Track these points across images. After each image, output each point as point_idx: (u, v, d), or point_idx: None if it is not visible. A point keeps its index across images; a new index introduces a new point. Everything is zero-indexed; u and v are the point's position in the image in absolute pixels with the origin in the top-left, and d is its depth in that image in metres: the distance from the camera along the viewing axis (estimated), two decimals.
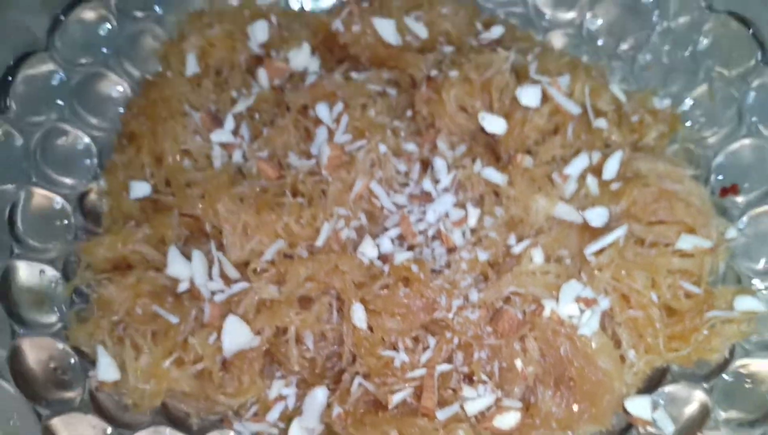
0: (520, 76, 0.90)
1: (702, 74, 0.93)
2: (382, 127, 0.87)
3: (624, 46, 1.00)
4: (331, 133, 0.86)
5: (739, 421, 0.74)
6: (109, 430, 0.72)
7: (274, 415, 0.75)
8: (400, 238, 0.82)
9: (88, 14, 0.93)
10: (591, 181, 0.84)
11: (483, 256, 0.79)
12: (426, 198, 0.84)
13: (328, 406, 0.74)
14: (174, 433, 0.75)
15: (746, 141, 0.88)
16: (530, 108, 0.86)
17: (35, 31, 0.89)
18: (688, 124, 0.93)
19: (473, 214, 0.82)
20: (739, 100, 0.90)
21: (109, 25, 0.94)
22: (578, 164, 0.84)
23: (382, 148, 0.85)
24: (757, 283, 0.82)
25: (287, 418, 0.76)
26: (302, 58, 0.95)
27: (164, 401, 0.75)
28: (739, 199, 0.87)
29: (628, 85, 0.98)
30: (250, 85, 0.94)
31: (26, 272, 0.79)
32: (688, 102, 0.94)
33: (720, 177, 0.90)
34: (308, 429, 0.75)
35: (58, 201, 0.85)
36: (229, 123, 0.89)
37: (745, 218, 0.86)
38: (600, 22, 1.03)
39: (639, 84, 0.98)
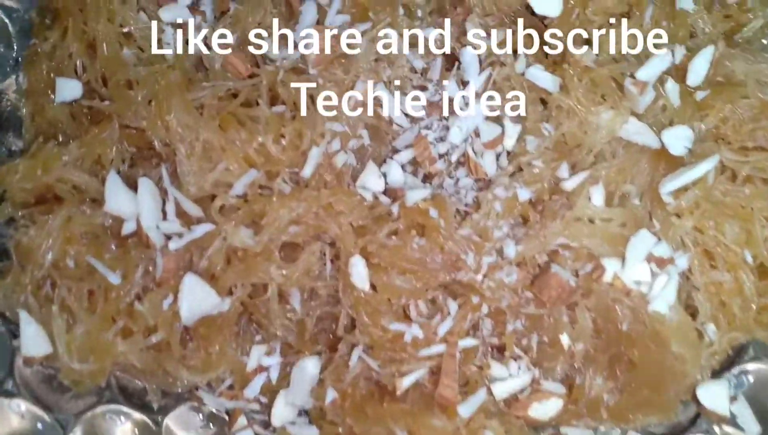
0: None
1: None
2: (392, 3, 0.64)
3: None
4: (321, 12, 0.64)
5: None
6: (46, 416, 0.57)
7: (254, 390, 0.60)
8: (414, 164, 0.63)
9: None
10: (671, 87, 0.63)
11: (524, 193, 0.60)
12: (449, 108, 0.63)
13: (321, 382, 0.59)
14: (131, 414, 0.59)
15: None
16: None
17: None
18: None
19: (512, 131, 0.62)
20: None
21: None
22: (657, 64, 0.63)
23: (392, 33, 0.63)
24: None
25: (271, 392, 0.60)
26: None
27: (114, 374, 0.59)
28: None
29: None
30: None
31: None
32: None
33: None
34: (296, 405, 0.60)
35: None
36: None
37: None
38: None
39: None
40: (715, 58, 0.64)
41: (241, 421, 0.61)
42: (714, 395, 0.59)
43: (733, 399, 0.59)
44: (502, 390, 0.58)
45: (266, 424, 0.61)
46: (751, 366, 0.61)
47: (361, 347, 0.58)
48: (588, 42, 0.65)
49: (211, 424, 0.62)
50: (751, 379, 0.61)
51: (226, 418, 0.62)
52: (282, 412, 0.60)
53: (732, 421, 0.59)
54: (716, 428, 0.60)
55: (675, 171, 0.60)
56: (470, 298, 0.58)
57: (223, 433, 0.61)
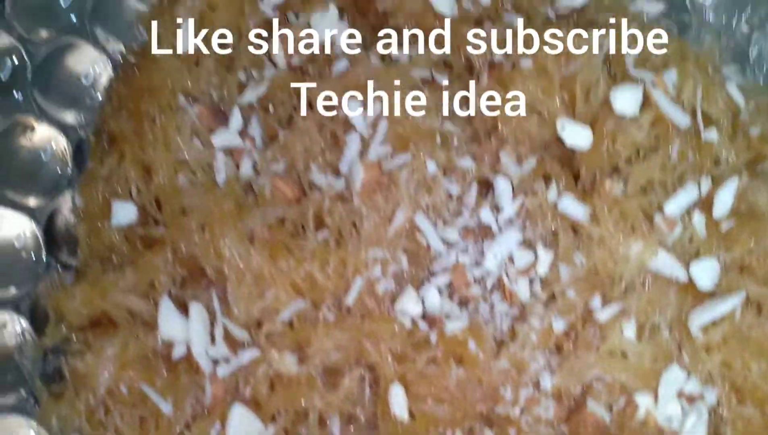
0: (613, 68, 0.69)
1: None
2: (431, 134, 0.68)
3: (741, 26, 0.77)
4: (364, 143, 0.67)
5: None
6: None
7: None
8: (450, 288, 0.65)
9: None
10: (698, 219, 0.65)
11: (559, 324, 0.62)
12: (484, 233, 0.66)
13: None
14: None
15: None
16: (625, 116, 0.66)
17: None
18: None
19: (545, 258, 0.65)
20: None
21: None
22: (685, 197, 0.65)
23: (431, 166, 0.66)
24: None
25: None
26: (328, 23, 0.74)
27: None
28: None
29: (743, 78, 0.76)
30: (262, 66, 0.73)
31: None
32: None
33: None
34: None
35: (20, 226, 0.67)
36: (236, 119, 0.70)
37: None
38: None
39: (756, 78, 0.77)
40: (740, 189, 0.67)
41: None
42: None
43: None
44: None
45: None
46: None
47: None
48: (616, 170, 0.69)
49: None
50: None
51: None
52: None
53: None
54: None
55: (702, 303, 0.62)
56: (507, 430, 0.60)
57: None
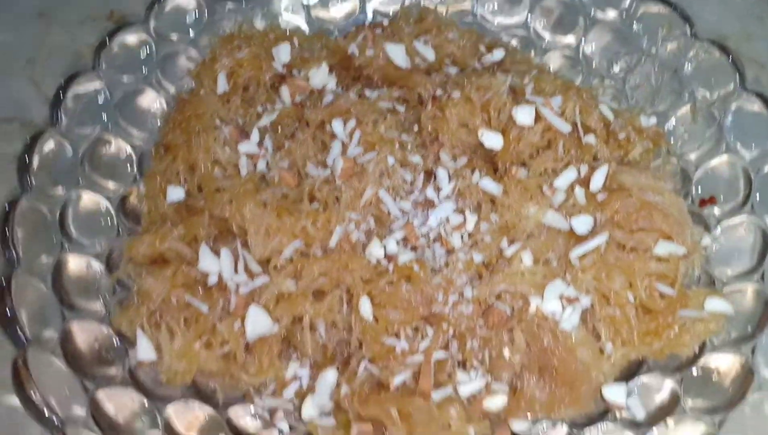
0: (517, 95, 0.99)
1: (686, 96, 1.02)
2: (390, 141, 0.97)
3: (616, 69, 1.09)
4: (344, 147, 0.96)
5: (703, 409, 0.82)
6: (146, 401, 0.83)
7: (289, 392, 0.85)
8: (405, 241, 0.91)
9: (130, 38, 1.05)
10: (579, 191, 0.92)
11: (478, 257, 0.88)
12: (429, 205, 0.93)
13: (338, 385, 0.84)
14: (202, 406, 0.85)
15: (724, 157, 0.97)
16: (525, 126, 0.96)
17: (83, 53, 1.01)
18: (671, 141, 1.02)
19: (471, 219, 0.91)
20: (718, 121, 0.98)
21: (148, 48, 1.05)
22: (567, 177, 0.93)
23: (391, 159, 0.94)
24: (728, 287, 0.90)
25: (301, 395, 0.85)
26: (321, 76, 1.05)
27: (194, 378, 0.85)
28: (716, 210, 0.95)
29: (619, 105, 1.07)
30: (274, 102, 1.04)
31: (75, 265, 0.89)
32: (673, 121, 1.02)
33: (699, 189, 0.98)
34: (320, 406, 0.84)
35: (103, 203, 0.95)
36: (255, 136, 0.99)
37: (720, 227, 0.94)
38: (594, 45, 1.12)
39: (629, 103, 1.07)
40: (610, 172, 0.94)
41: (280, 414, 0.85)
42: (614, 393, 0.83)
43: (629, 395, 0.84)
44: (465, 390, 0.82)
45: (297, 418, 0.85)
46: (645, 377, 0.87)
47: (366, 360, 0.84)
48: (523, 164, 0.97)
49: (258, 418, 0.87)
50: (645, 379, 0.86)
51: (268, 415, 0.87)
52: (309, 410, 0.83)
53: (628, 410, 0.83)
54: (617, 414, 0.84)
55: (580, 244, 0.89)
56: (441, 325, 0.85)
57: (267, 424, 0.86)
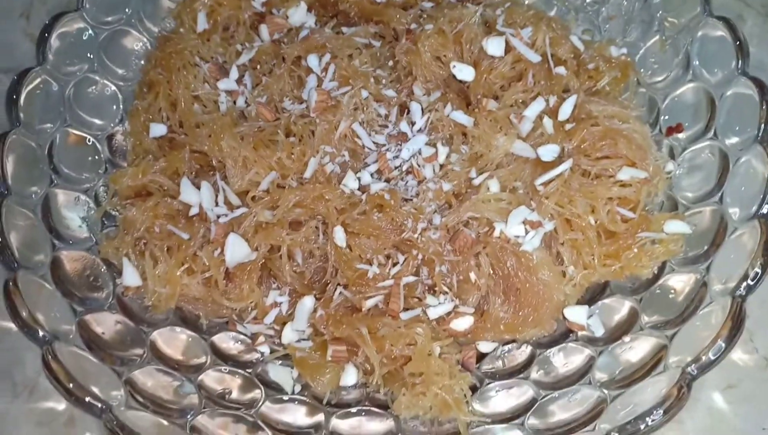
0: (490, 28, 1.01)
1: (656, 25, 1.03)
2: (365, 75, 0.99)
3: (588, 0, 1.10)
4: (320, 81, 0.99)
5: (657, 324, 0.86)
6: (132, 325, 0.88)
7: (270, 318, 0.90)
8: (378, 173, 0.95)
9: None
10: (547, 121, 0.95)
11: (447, 186, 0.92)
12: (402, 138, 0.96)
13: (315, 311, 0.89)
14: (186, 331, 0.90)
15: (690, 85, 0.98)
16: (495, 57, 0.98)
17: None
18: (642, 71, 1.04)
19: (443, 151, 0.94)
20: (685, 47, 0.99)
21: None
22: (535, 107, 0.95)
23: (365, 93, 0.97)
24: (690, 211, 0.93)
25: (281, 321, 0.90)
26: (299, 14, 1.06)
27: (178, 305, 0.90)
28: (682, 135, 0.98)
29: (592, 37, 1.08)
30: (253, 40, 1.06)
31: (64, 198, 0.93)
32: (642, 51, 1.04)
33: (667, 117, 1.00)
34: (298, 331, 0.89)
35: (90, 140, 0.99)
36: (234, 73, 1.02)
37: (686, 154, 0.97)
38: None
39: (602, 36, 1.08)
40: (578, 102, 0.96)
41: (261, 339, 0.91)
42: (575, 313, 0.88)
43: (589, 316, 0.88)
44: (434, 313, 0.87)
45: (277, 343, 0.91)
46: (607, 299, 0.91)
47: (341, 286, 0.89)
48: (495, 96, 1.00)
49: (240, 343, 0.92)
50: (606, 301, 0.91)
51: (250, 340, 0.92)
52: (289, 334, 0.89)
53: (588, 329, 0.88)
54: (579, 334, 0.89)
55: (546, 171, 0.92)
56: (411, 252, 0.89)
57: (249, 349, 0.91)
